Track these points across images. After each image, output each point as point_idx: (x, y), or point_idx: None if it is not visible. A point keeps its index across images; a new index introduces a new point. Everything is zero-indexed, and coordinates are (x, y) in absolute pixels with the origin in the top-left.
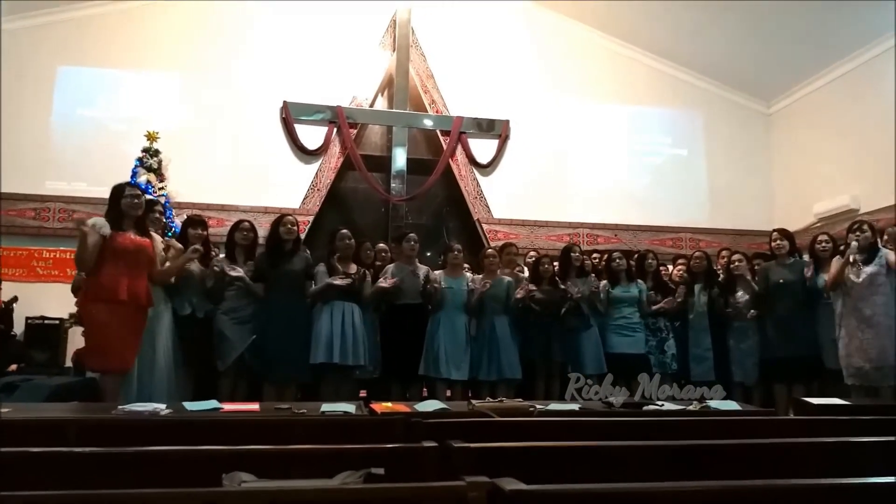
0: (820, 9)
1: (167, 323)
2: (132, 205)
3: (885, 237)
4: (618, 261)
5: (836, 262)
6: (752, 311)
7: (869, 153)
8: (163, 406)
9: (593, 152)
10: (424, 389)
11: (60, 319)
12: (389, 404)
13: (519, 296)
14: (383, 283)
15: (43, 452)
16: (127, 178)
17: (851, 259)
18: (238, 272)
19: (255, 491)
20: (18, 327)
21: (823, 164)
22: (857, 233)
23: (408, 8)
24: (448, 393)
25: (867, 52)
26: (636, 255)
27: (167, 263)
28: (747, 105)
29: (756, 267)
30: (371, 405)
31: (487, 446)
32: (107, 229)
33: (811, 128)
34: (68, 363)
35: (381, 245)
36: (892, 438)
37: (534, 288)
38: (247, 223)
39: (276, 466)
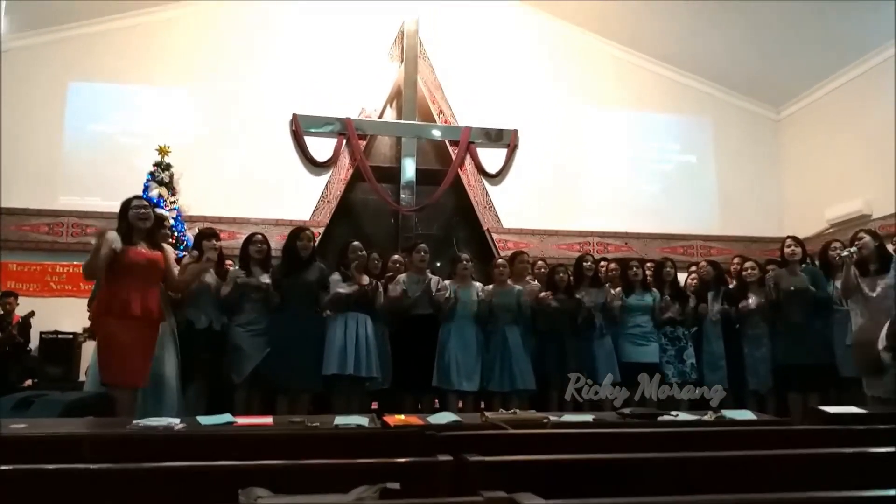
0: (828, 13)
1: (173, 337)
2: (140, 216)
3: (892, 247)
4: (634, 269)
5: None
6: (765, 317)
7: (880, 157)
8: (177, 421)
9: (602, 160)
10: (436, 401)
11: (74, 334)
12: (402, 417)
13: (535, 299)
14: (391, 291)
15: (58, 469)
16: (139, 192)
17: (845, 254)
18: (266, 279)
19: None
20: (32, 342)
21: (834, 170)
22: (858, 240)
23: (415, 19)
24: (460, 404)
25: (876, 56)
26: (654, 264)
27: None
28: (756, 111)
29: (768, 274)
30: (384, 418)
31: (503, 460)
32: (118, 244)
33: (821, 133)
34: (82, 377)
35: (396, 256)
36: None
37: (550, 297)
38: (260, 236)
39: (291, 481)
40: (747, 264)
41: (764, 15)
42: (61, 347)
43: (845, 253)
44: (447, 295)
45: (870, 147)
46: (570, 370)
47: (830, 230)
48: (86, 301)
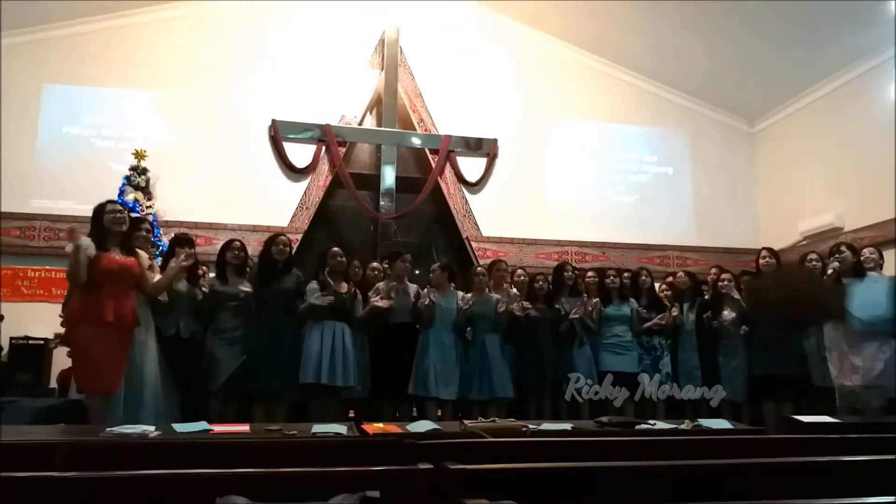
0: (802, 30)
1: (153, 343)
2: (115, 220)
3: (863, 257)
4: (612, 278)
5: None
6: (743, 327)
7: (852, 171)
8: (151, 428)
9: (580, 170)
10: (414, 409)
11: (45, 340)
12: (381, 425)
13: (507, 308)
14: (378, 302)
15: (28, 477)
16: (114, 196)
17: (829, 272)
18: (248, 287)
19: None
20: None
21: (808, 183)
22: (837, 255)
23: (396, 28)
24: (438, 412)
25: (847, 73)
26: (630, 273)
27: (156, 276)
28: (732, 124)
29: (744, 285)
30: (362, 426)
31: (482, 468)
32: (92, 250)
33: (795, 147)
34: (53, 384)
35: (374, 264)
36: (884, 457)
37: (529, 305)
38: (238, 242)
39: (269, 490)
40: (724, 276)
41: (740, 31)
42: (32, 353)
43: (830, 271)
44: (427, 303)
45: (842, 161)
46: (549, 379)
47: (804, 242)
48: (57, 306)
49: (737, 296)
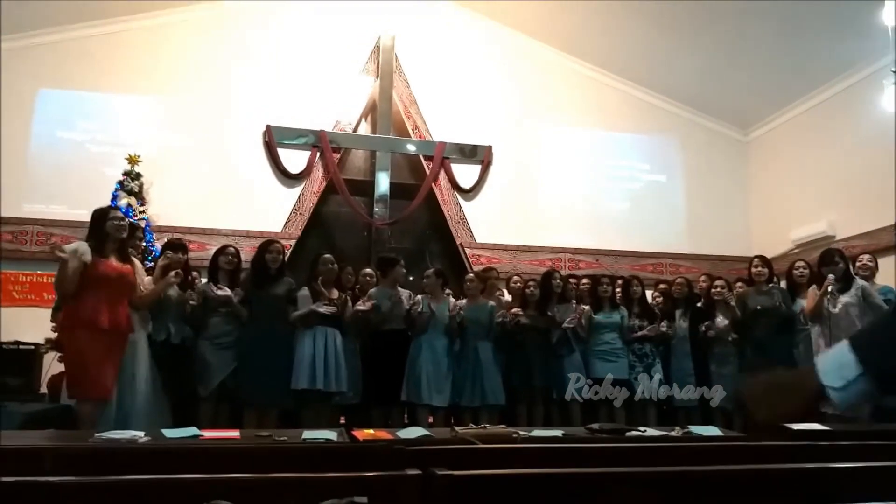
0: (795, 40)
1: (145, 348)
2: (118, 227)
3: (857, 266)
4: (605, 286)
5: (812, 293)
6: (732, 335)
7: (844, 180)
8: (141, 434)
9: (574, 178)
10: (406, 416)
11: (36, 345)
12: (371, 431)
13: (503, 318)
14: (360, 306)
15: (17, 482)
16: (107, 201)
17: (830, 288)
18: (225, 291)
19: None
20: None
21: (800, 191)
22: (832, 265)
23: (391, 35)
24: (430, 419)
25: (840, 82)
26: (622, 281)
27: (145, 286)
28: (725, 132)
29: (736, 292)
30: (353, 432)
31: (472, 474)
32: (88, 255)
33: (788, 155)
34: (44, 389)
35: (367, 270)
36: (872, 464)
37: (520, 312)
38: (231, 248)
39: (258, 495)
40: (717, 283)
41: (734, 40)
42: (22, 358)
43: (831, 288)
44: (420, 309)
45: (834, 170)
46: (540, 386)
47: (796, 250)
48: (48, 311)
49: (733, 302)
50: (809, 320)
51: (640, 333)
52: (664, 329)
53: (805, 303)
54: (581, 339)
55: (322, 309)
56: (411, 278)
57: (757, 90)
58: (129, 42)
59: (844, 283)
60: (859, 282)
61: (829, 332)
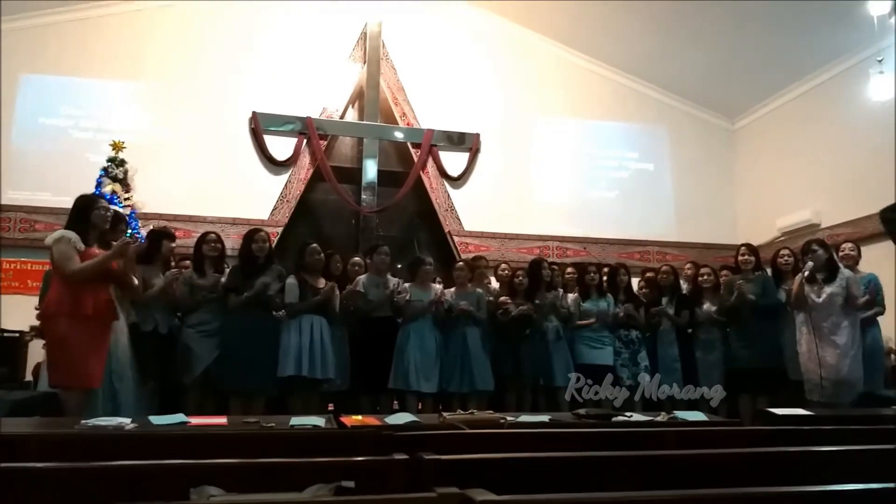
0: (782, 29)
1: (128, 336)
2: (104, 217)
3: (840, 254)
4: (592, 274)
5: (797, 281)
6: (719, 318)
7: (830, 169)
8: (128, 420)
9: (562, 166)
10: (395, 402)
11: (20, 332)
12: (360, 417)
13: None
14: (346, 292)
15: (3, 468)
16: (91, 188)
17: (806, 274)
18: (208, 279)
19: None
20: None
21: (786, 180)
22: (810, 253)
23: (378, 21)
24: (419, 405)
25: (825, 72)
26: (608, 269)
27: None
28: (712, 121)
29: (722, 279)
30: (341, 418)
31: (458, 458)
32: (80, 244)
33: (773, 144)
34: (29, 377)
35: (356, 258)
36: (853, 448)
37: (509, 301)
38: (213, 234)
39: (244, 480)
40: (703, 270)
41: (721, 29)
42: (6, 346)
43: (807, 273)
44: (407, 297)
45: (819, 159)
46: (527, 372)
47: (782, 238)
48: (33, 299)
49: (722, 289)
50: (793, 308)
51: (622, 316)
52: (654, 321)
53: (791, 290)
54: (566, 325)
55: (320, 298)
56: (399, 266)
57: (744, 79)
58: (113, 27)
59: (829, 273)
60: (845, 272)
61: (813, 321)
